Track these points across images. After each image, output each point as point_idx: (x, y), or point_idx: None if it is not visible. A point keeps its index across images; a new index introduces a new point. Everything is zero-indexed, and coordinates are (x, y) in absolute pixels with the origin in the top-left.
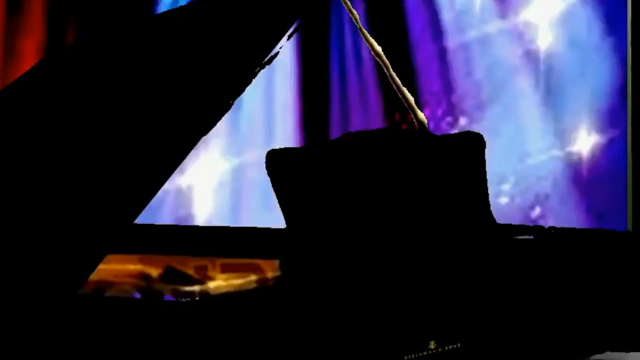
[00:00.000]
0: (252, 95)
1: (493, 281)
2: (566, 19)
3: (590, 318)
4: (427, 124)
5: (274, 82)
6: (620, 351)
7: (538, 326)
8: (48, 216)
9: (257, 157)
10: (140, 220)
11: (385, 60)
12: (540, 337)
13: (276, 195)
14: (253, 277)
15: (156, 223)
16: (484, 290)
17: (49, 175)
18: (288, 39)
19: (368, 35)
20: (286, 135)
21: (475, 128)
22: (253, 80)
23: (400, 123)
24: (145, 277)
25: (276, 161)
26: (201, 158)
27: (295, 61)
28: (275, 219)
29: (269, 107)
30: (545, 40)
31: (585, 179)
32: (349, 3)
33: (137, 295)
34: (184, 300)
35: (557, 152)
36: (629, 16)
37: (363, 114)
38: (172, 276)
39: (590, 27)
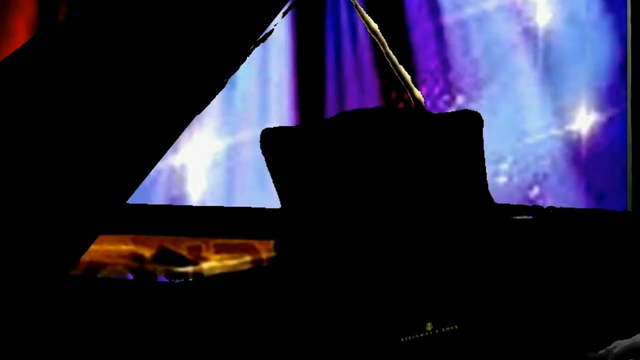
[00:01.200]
0: (246, 73)
1: (491, 262)
2: None
3: (589, 300)
4: (424, 102)
5: (269, 60)
6: (623, 336)
7: (536, 308)
8: (38, 196)
9: (251, 136)
10: (132, 200)
11: (382, 37)
12: (539, 320)
13: (271, 174)
14: (247, 258)
15: (149, 203)
16: (481, 271)
17: (39, 153)
18: (283, 16)
19: (364, 12)
20: (281, 114)
21: (473, 107)
22: (247, 58)
23: (396, 102)
24: (137, 257)
25: (271, 140)
26: (195, 137)
27: (290, 39)
28: (270, 199)
29: (263, 85)
30: (543, 17)
31: (584, 158)
32: None
33: (130, 277)
34: (177, 281)
35: (556, 131)
36: None
37: (359, 92)
38: (165, 257)
39: (590, 3)
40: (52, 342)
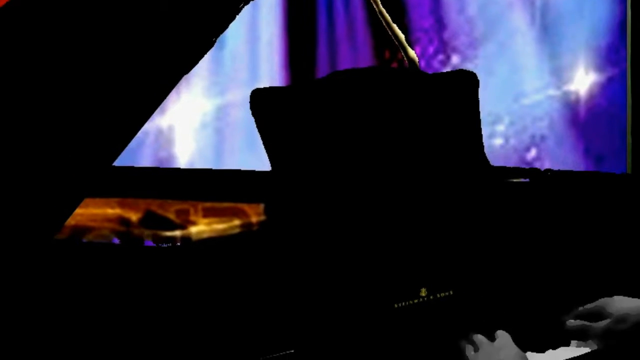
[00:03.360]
0: (235, 32)
1: (486, 226)
2: None
3: (587, 264)
4: (418, 62)
5: (259, 19)
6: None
7: (533, 273)
8: (21, 158)
9: (241, 97)
10: (119, 162)
11: None
12: (536, 284)
13: (261, 136)
14: (237, 222)
15: (136, 165)
16: (477, 236)
17: (22, 114)
18: None
19: None
20: (271, 74)
21: (469, 66)
22: (236, 16)
23: (390, 61)
24: (124, 221)
25: (261, 101)
26: (182, 98)
27: None
28: (260, 161)
29: (253, 44)
30: None
31: (582, 120)
32: None
33: (116, 241)
34: (164, 245)
35: (553, 92)
36: None
37: (351, 51)
38: (153, 221)
39: None
40: (35, 308)
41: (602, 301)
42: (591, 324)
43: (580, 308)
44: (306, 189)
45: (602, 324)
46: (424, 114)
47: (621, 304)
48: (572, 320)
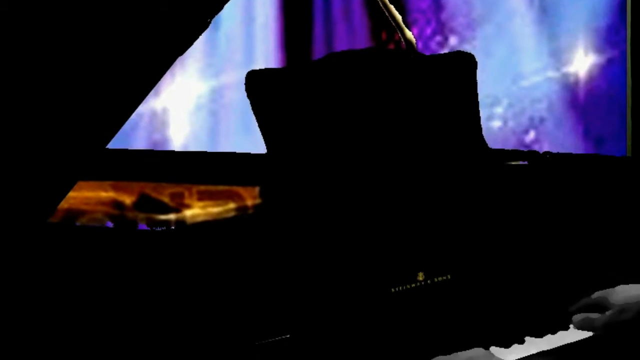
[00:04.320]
0: (230, 13)
1: (485, 209)
2: None
3: (586, 248)
4: (416, 43)
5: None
6: (619, 284)
7: (532, 257)
8: (12, 138)
9: (236, 79)
10: (112, 145)
11: None
12: (535, 268)
13: (256, 118)
14: (232, 205)
15: (129, 148)
16: (475, 219)
17: (15, 94)
18: None
19: None
20: (267, 56)
21: (466, 48)
22: None
23: (387, 43)
24: (118, 204)
25: (256, 83)
26: (177, 79)
27: None
28: (255, 144)
29: (248, 25)
30: None
31: (582, 102)
32: None
33: (110, 224)
34: (159, 229)
35: (552, 73)
36: None
37: (348, 33)
38: (147, 204)
39: None
40: (28, 292)
41: (605, 292)
42: (594, 317)
43: (583, 300)
44: (302, 172)
45: (605, 316)
46: (421, 96)
47: (623, 293)
48: (577, 315)
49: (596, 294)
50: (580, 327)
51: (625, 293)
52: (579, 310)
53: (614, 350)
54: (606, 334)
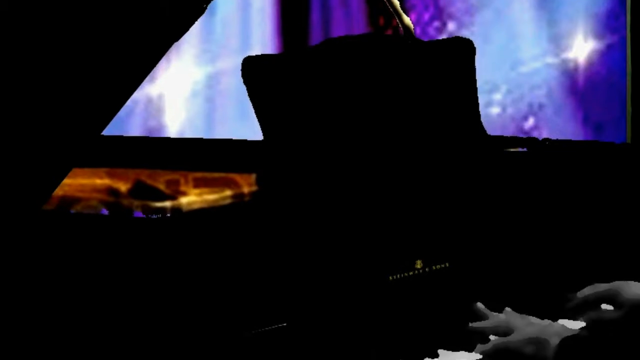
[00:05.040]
0: None
1: (484, 196)
2: None
3: (585, 236)
4: (414, 29)
5: None
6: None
7: (531, 245)
8: (5, 125)
9: (232, 65)
10: (107, 131)
11: None
12: (534, 257)
13: (253, 104)
14: (228, 192)
15: (125, 134)
16: (474, 206)
17: (8, 80)
18: None
19: None
20: (263, 42)
21: (465, 33)
22: None
23: (384, 29)
24: (113, 192)
25: (253, 69)
26: (173, 65)
27: None
28: (252, 130)
29: (245, 11)
30: None
31: (581, 88)
32: None
33: (105, 212)
34: (154, 216)
35: (551, 59)
36: None
37: (345, 18)
38: (142, 191)
39: None
40: (22, 280)
41: (616, 284)
42: (603, 314)
43: (590, 293)
44: (299, 159)
45: (616, 314)
46: (419, 82)
47: (637, 289)
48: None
49: (605, 287)
50: (589, 322)
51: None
52: (578, 305)
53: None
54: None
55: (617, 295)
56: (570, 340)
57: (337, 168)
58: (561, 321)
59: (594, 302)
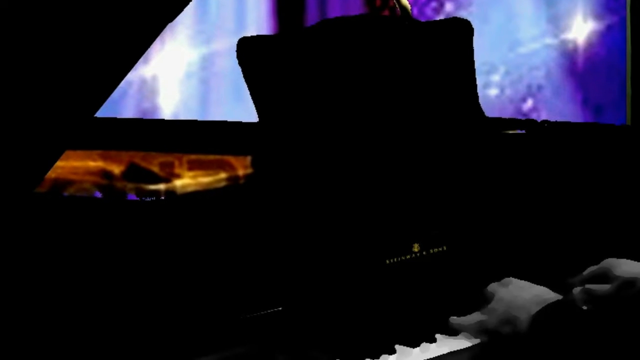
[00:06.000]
0: None
1: (482, 179)
2: None
3: (585, 219)
4: (411, 9)
5: None
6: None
7: (530, 228)
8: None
9: (227, 46)
10: (101, 113)
11: None
12: (533, 240)
13: (248, 86)
14: (223, 175)
15: (118, 116)
16: (472, 189)
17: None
18: None
19: None
20: (259, 22)
21: (463, 14)
22: None
23: (381, 9)
24: (106, 174)
25: (248, 50)
26: (167, 46)
27: None
28: (247, 112)
29: None
30: None
31: (581, 69)
32: None
33: (98, 194)
34: (148, 199)
35: (550, 40)
36: None
37: None
38: (136, 174)
39: None
40: (14, 264)
41: (608, 262)
42: (595, 288)
43: (585, 272)
44: (295, 141)
45: (606, 287)
46: (417, 63)
47: (628, 267)
48: (577, 288)
49: (598, 265)
50: (581, 300)
51: (631, 267)
52: (580, 282)
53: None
54: (606, 308)
55: (609, 272)
56: (543, 315)
57: (334, 150)
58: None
59: (589, 280)
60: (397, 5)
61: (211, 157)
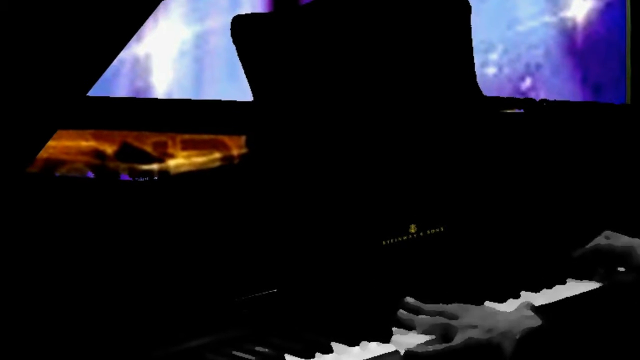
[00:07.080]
0: None
1: (480, 159)
2: None
3: (584, 198)
4: None
5: None
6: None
7: (528, 208)
8: None
9: (221, 23)
10: (93, 92)
11: None
12: (531, 220)
13: (242, 65)
14: (217, 155)
15: (111, 95)
16: (469, 169)
17: None
18: None
19: None
20: (253, 0)
21: None
22: None
23: None
24: (99, 154)
25: (243, 28)
26: (160, 24)
27: None
28: (241, 91)
29: None
30: None
31: (580, 47)
32: None
33: (91, 175)
34: (141, 179)
35: (549, 18)
36: None
37: None
38: (129, 153)
39: None
40: (4, 244)
41: (606, 234)
42: (618, 276)
43: (587, 246)
44: (290, 120)
45: (630, 276)
46: (414, 42)
47: (627, 239)
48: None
49: (596, 239)
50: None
51: (629, 240)
52: (583, 257)
53: (617, 303)
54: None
55: (630, 256)
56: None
57: (329, 129)
58: (557, 287)
59: (607, 260)
60: None
61: (205, 136)
